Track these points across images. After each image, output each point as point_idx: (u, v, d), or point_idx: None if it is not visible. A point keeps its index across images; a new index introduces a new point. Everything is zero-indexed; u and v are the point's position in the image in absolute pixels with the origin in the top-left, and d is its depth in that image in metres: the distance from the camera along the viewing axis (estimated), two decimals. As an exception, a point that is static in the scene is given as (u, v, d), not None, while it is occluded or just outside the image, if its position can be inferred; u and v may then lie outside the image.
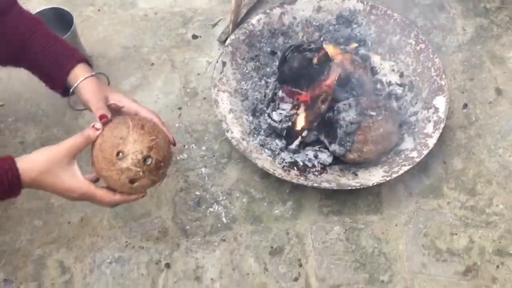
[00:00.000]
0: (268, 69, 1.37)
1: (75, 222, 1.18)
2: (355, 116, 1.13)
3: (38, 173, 0.80)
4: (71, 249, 1.15)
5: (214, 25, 1.49)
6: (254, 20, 1.38)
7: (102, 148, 0.84)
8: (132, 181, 0.85)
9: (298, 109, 1.23)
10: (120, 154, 0.82)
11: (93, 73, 0.93)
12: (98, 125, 0.84)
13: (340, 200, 1.21)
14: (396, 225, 1.18)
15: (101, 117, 0.87)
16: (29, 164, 0.80)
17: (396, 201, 1.21)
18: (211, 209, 1.21)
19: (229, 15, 1.46)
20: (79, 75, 0.91)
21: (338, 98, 1.18)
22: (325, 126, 1.18)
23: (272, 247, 1.16)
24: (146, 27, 1.49)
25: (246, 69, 1.35)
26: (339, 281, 1.12)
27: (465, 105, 1.34)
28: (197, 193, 1.23)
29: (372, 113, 1.14)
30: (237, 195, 1.23)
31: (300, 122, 1.18)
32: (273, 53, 1.39)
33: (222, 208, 1.21)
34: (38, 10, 1.29)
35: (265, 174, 1.23)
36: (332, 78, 1.14)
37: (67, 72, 0.92)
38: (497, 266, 1.13)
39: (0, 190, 0.78)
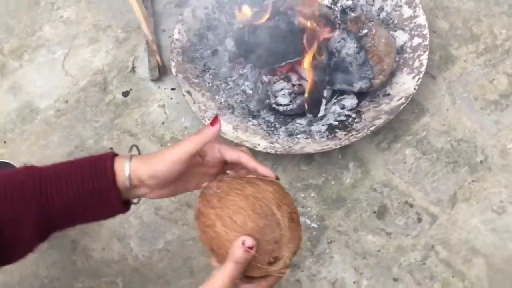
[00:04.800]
0: (223, 69, 1.22)
1: None
2: (356, 45, 1.05)
3: None
4: None
5: (133, 69, 1.29)
6: (175, 35, 1.21)
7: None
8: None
9: (290, 79, 1.12)
10: (273, 260, 0.63)
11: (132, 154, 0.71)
12: (249, 242, 0.59)
13: (386, 127, 1.14)
14: (447, 110, 1.15)
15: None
16: None
17: (427, 91, 1.18)
18: (294, 226, 1.08)
19: (140, 49, 1.27)
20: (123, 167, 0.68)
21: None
22: (335, 74, 1.09)
23: (375, 212, 1.07)
24: (70, 120, 1.24)
25: (208, 83, 1.19)
26: (451, 190, 1.07)
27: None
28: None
29: (365, 31, 1.07)
30: (302, 195, 1.11)
31: (312, 85, 1.07)
32: (214, 52, 1.24)
33: (301, 216, 1.08)
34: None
35: (308, 157, 1.12)
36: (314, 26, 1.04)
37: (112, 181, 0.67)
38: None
39: None
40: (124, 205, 0.71)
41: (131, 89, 1.27)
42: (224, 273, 0.59)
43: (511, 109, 1.13)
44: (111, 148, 1.19)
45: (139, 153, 0.74)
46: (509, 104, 1.14)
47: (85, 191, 0.67)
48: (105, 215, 0.72)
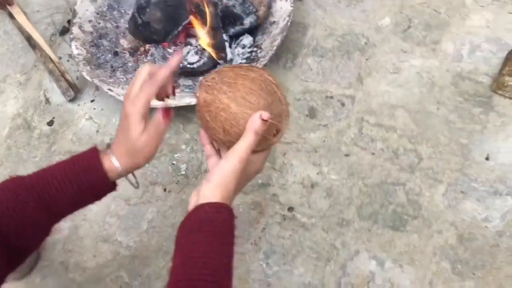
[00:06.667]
0: (130, 64, 1.33)
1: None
2: (231, -10, 1.22)
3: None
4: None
5: (47, 100, 1.34)
6: (74, 51, 1.29)
7: None
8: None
9: (191, 42, 1.25)
10: (276, 132, 0.72)
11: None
12: (266, 114, 0.66)
13: (284, 50, 1.32)
14: (323, 18, 1.36)
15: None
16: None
17: (301, 12, 1.38)
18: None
19: (45, 82, 1.33)
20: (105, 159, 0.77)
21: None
22: (227, 21, 1.24)
23: (307, 115, 1.23)
24: (8, 168, 1.25)
25: (122, 79, 1.29)
26: (354, 73, 1.27)
27: None
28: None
29: (233, -25, 1.25)
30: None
31: (211, 34, 1.22)
32: (115, 53, 1.34)
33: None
34: None
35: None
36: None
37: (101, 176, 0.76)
38: None
39: None
40: (114, 184, 0.79)
41: (53, 118, 1.32)
42: (245, 143, 0.66)
43: (367, -1, 1.38)
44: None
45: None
46: None
47: (82, 191, 0.75)
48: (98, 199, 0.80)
